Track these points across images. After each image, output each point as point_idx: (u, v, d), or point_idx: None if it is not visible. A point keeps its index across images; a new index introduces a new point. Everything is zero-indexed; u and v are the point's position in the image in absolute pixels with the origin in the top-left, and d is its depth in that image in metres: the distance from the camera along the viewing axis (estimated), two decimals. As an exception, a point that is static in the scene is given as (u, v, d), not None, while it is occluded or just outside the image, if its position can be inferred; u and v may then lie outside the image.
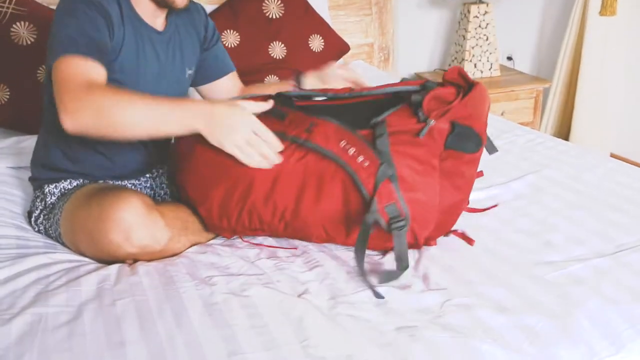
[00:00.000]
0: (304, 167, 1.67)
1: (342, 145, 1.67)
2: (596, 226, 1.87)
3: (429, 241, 1.76)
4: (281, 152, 1.67)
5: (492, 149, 1.79)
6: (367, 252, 1.67)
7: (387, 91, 1.86)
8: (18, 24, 2.82)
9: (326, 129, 1.70)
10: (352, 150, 1.66)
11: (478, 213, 1.93)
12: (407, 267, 1.60)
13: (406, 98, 1.75)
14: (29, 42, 2.80)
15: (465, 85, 1.76)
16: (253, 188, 1.70)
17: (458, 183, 1.71)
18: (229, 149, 1.65)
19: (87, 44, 1.73)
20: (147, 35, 1.96)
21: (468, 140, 1.66)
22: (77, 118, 1.63)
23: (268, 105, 1.71)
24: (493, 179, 2.13)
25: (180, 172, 1.85)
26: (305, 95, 1.92)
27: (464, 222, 1.82)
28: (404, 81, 1.89)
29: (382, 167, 1.62)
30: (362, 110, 1.79)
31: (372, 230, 1.59)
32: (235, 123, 1.65)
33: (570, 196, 2.05)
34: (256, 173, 1.68)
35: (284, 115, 1.75)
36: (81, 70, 1.69)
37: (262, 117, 1.74)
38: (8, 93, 2.78)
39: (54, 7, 2.82)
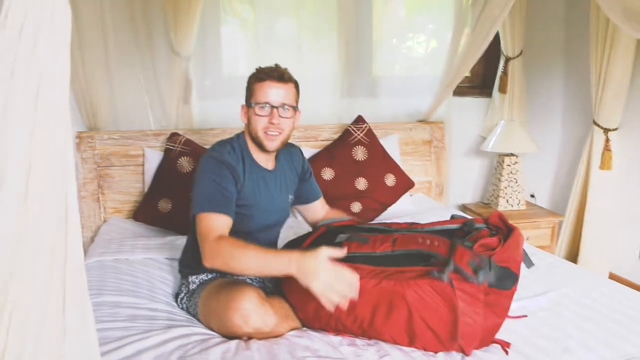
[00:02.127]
0: (378, 291, 1.61)
1: (420, 241, 1.68)
2: (604, 336, 1.72)
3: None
4: (360, 280, 1.61)
5: (529, 264, 1.73)
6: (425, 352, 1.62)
7: (438, 229, 1.82)
8: (183, 158, 2.90)
9: (404, 238, 1.72)
10: (428, 241, 1.67)
11: (511, 320, 1.80)
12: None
13: (453, 235, 1.76)
14: (187, 171, 2.88)
15: (504, 228, 1.70)
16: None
17: (498, 311, 1.62)
18: (314, 292, 1.57)
19: (219, 202, 1.81)
20: (262, 176, 1.99)
21: (507, 279, 1.60)
22: (211, 264, 1.73)
23: (342, 251, 1.64)
24: (523, 293, 1.99)
25: (284, 284, 1.83)
26: (375, 228, 1.91)
27: (501, 328, 1.69)
28: (452, 218, 1.85)
29: (453, 240, 1.63)
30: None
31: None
32: (316, 271, 1.58)
33: (582, 310, 1.90)
34: None
35: (367, 240, 1.72)
36: (214, 226, 1.77)
37: (350, 244, 1.72)
38: (170, 205, 2.84)
39: (208, 146, 2.93)
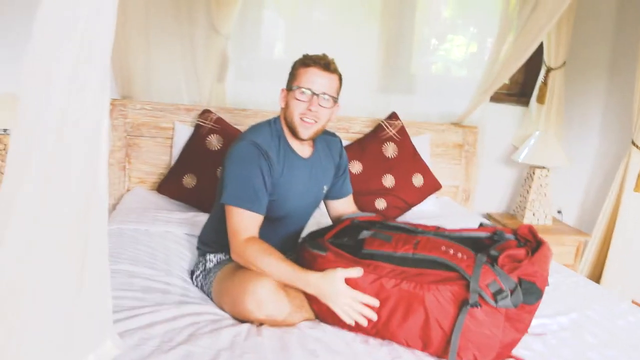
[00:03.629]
0: (397, 293, 1.57)
1: (443, 249, 1.61)
2: (625, 364, 1.66)
3: None
4: (380, 278, 1.60)
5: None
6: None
7: (466, 236, 1.76)
8: (212, 135, 2.88)
9: (428, 242, 1.65)
10: (451, 251, 1.60)
11: (530, 337, 1.74)
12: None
13: (480, 242, 1.71)
14: (216, 149, 2.85)
15: (533, 241, 1.64)
16: None
17: (518, 326, 1.56)
18: (336, 310, 1.63)
19: (250, 199, 1.81)
20: (297, 163, 1.95)
21: (531, 295, 1.53)
22: (237, 259, 1.80)
23: (357, 271, 1.62)
24: (544, 310, 1.93)
25: None
26: (400, 227, 1.86)
27: (518, 344, 1.63)
28: (481, 226, 1.80)
29: (478, 256, 1.55)
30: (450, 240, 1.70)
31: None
32: (334, 296, 1.62)
33: (605, 336, 1.83)
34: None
35: (390, 238, 1.67)
36: (244, 225, 1.79)
37: (373, 241, 1.67)
38: (195, 181, 2.82)
39: (239, 127, 2.91)
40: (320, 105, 1.86)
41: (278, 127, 1.94)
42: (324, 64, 1.86)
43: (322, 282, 1.63)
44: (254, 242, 1.77)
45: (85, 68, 1.02)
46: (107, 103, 1.07)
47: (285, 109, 1.91)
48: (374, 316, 1.60)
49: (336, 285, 1.61)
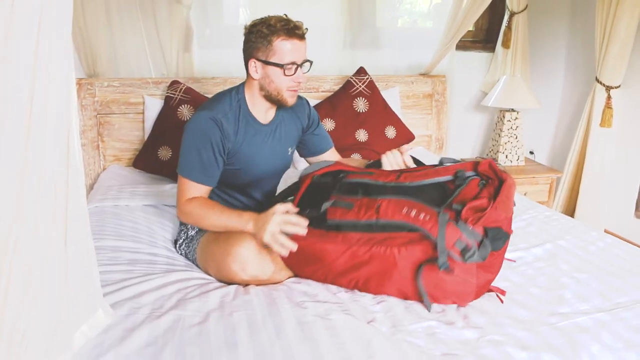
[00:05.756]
0: (370, 259, 1.60)
1: (405, 212, 1.59)
2: (598, 287, 1.74)
3: None
4: (351, 247, 1.62)
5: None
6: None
7: (428, 183, 1.69)
8: (183, 106, 2.87)
9: (389, 206, 1.62)
10: (413, 212, 1.58)
11: (508, 269, 1.81)
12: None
13: (444, 187, 1.67)
14: (188, 119, 2.81)
15: (495, 178, 1.62)
16: (332, 269, 1.67)
17: (491, 269, 1.59)
18: (265, 241, 1.69)
19: (198, 172, 1.87)
20: (257, 130, 1.96)
21: (498, 240, 1.55)
22: (181, 218, 1.91)
23: (293, 209, 1.72)
24: (519, 244, 2.01)
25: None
26: (360, 183, 1.80)
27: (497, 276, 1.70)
28: (441, 163, 1.77)
29: (440, 215, 1.53)
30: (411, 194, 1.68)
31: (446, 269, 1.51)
32: (264, 225, 1.70)
33: (577, 263, 1.91)
34: (333, 261, 1.65)
35: (351, 205, 1.67)
36: (188, 192, 1.88)
37: (335, 211, 1.69)
38: (171, 153, 2.83)
39: (208, 95, 2.91)
40: (302, 73, 1.87)
41: (240, 95, 1.92)
42: (302, 34, 1.82)
43: (259, 215, 1.73)
44: (195, 200, 1.85)
45: (47, 50, 1.02)
46: (73, 82, 1.08)
47: (267, 82, 1.86)
48: (293, 246, 1.67)
49: (269, 215, 1.70)
